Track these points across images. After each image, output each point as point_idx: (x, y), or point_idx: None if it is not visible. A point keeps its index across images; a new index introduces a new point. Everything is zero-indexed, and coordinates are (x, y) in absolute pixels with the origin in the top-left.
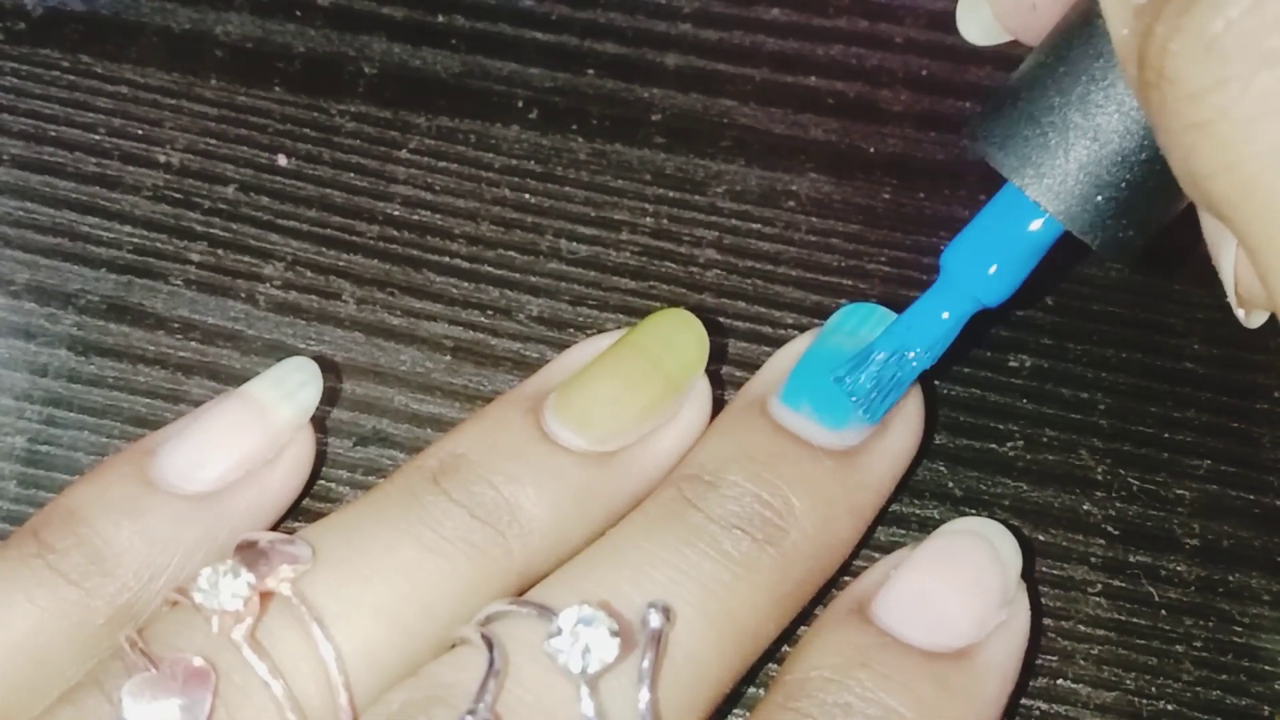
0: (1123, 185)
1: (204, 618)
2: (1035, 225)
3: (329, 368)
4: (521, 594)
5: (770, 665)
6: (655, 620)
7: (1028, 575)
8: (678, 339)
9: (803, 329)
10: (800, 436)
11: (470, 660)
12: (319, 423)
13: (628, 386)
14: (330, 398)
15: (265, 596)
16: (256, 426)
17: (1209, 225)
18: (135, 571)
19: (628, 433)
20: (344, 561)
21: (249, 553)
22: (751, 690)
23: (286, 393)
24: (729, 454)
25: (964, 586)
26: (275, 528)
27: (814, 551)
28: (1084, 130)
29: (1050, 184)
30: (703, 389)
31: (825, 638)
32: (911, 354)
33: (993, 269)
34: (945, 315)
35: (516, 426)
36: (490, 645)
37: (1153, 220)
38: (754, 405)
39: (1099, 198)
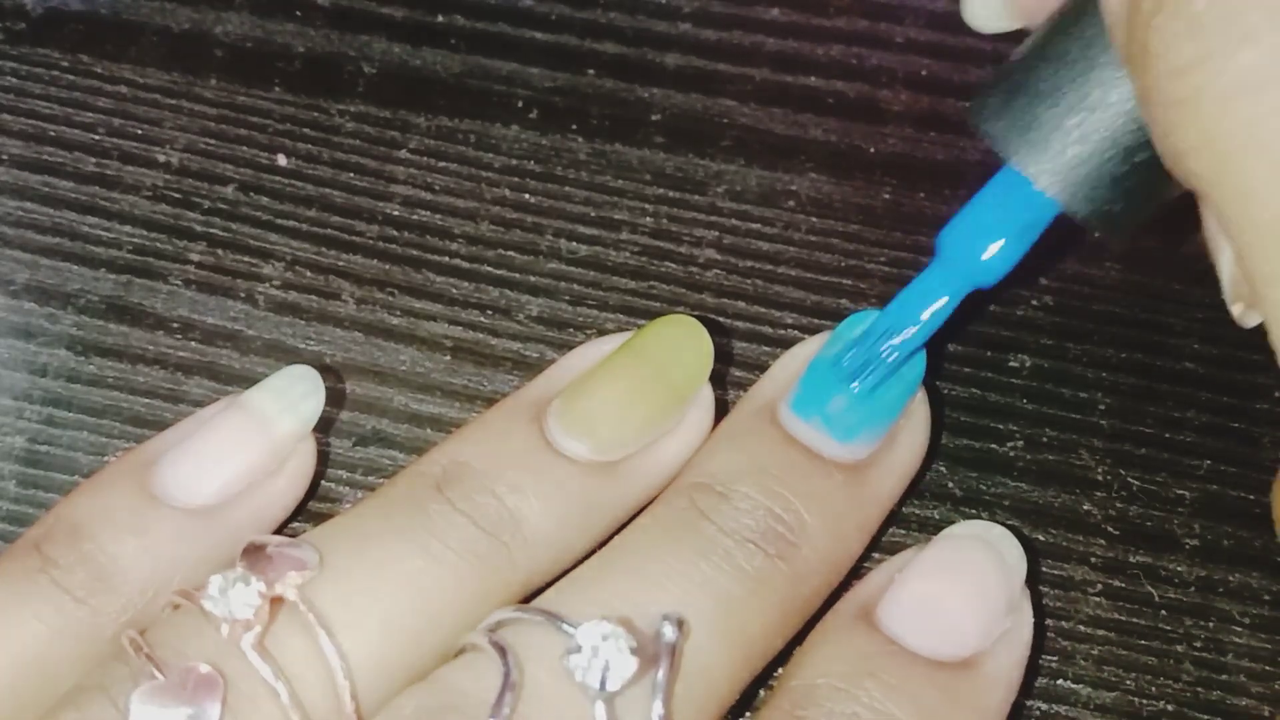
0: (1120, 166)
1: (213, 624)
2: (1032, 204)
3: (329, 368)
4: (525, 603)
5: (776, 667)
6: (670, 633)
7: (1028, 577)
8: (683, 347)
9: (803, 329)
10: (811, 448)
11: (483, 668)
12: (319, 423)
13: (633, 396)
14: (330, 398)
15: (273, 603)
16: (259, 439)
17: (1207, 217)
18: (140, 588)
19: (632, 442)
20: (350, 569)
21: (256, 557)
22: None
23: (289, 404)
24: (740, 465)
25: (970, 594)
26: (279, 531)
27: (823, 567)
28: (1083, 110)
29: (1047, 163)
30: (706, 396)
31: (832, 643)
32: (901, 336)
33: (988, 248)
34: (940, 296)
35: (520, 434)
36: (504, 654)
37: (1149, 201)
38: (764, 412)
39: (1096, 178)
